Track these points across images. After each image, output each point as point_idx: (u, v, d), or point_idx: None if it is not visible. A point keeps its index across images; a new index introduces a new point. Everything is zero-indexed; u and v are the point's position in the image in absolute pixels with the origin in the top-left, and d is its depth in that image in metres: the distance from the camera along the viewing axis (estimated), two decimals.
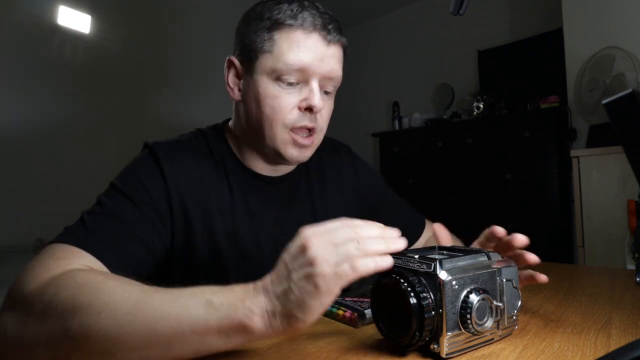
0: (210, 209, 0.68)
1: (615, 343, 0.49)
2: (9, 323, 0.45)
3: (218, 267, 0.69)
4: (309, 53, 0.64)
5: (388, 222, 0.95)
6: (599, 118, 2.01)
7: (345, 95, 3.91)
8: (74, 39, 2.54)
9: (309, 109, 0.66)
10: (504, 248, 0.61)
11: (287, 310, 0.39)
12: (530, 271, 0.62)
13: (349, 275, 0.39)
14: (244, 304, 0.40)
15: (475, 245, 0.68)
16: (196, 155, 0.70)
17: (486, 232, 0.65)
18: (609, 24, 2.07)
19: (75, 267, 0.49)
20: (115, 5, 2.75)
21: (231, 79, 0.71)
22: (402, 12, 3.67)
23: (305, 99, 0.66)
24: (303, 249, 0.40)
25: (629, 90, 0.39)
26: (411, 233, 0.91)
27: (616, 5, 2.05)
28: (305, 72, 0.64)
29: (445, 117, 3.05)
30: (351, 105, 3.87)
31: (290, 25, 0.64)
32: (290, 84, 0.65)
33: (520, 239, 0.58)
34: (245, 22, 0.69)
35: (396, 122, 3.31)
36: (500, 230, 0.62)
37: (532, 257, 0.58)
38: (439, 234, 0.67)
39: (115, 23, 2.74)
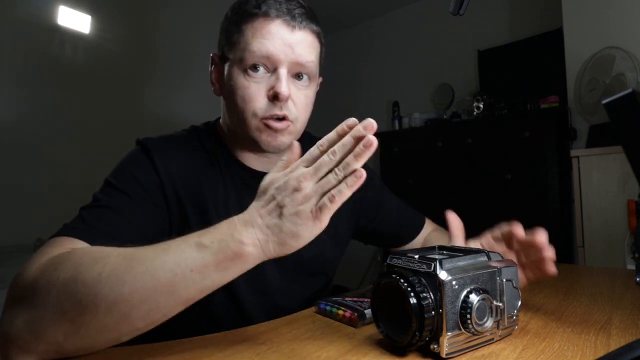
0: (205, 203, 0.69)
1: (615, 343, 0.49)
2: (17, 316, 0.45)
3: None
4: (272, 40, 0.64)
5: (385, 219, 0.94)
6: (599, 118, 2.01)
7: (345, 95, 3.91)
8: (74, 39, 2.54)
9: (276, 97, 0.65)
10: (524, 252, 0.61)
11: (280, 239, 0.44)
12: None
13: (330, 207, 0.44)
14: (232, 237, 0.44)
15: (483, 240, 0.67)
16: (188, 150, 0.71)
17: (504, 230, 0.64)
18: (609, 24, 2.07)
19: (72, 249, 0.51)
20: (115, 5, 2.75)
21: (214, 75, 0.73)
22: (402, 12, 3.66)
23: (272, 87, 0.65)
24: (296, 189, 0.44)
25: (629, 90, 0.39)
26: (411, 230, 0.92)
27: (616, 5, 2.05)
28: (271, 59, 0.64)
29: (445, 117, 3.05)
30: (351, 105, 3.87)
31: (255, 14, 0.64)
32: (257, 71, 0.65)
33: (541, 238, 0.59)
34: (224, 20, 0.71)
35: (396, 122, 3.31)
36: (521, 232, 0.61)
37: (552, 269, 0.59)
38: (451, 221, 0.67)
39: (115, 23, 2.74)
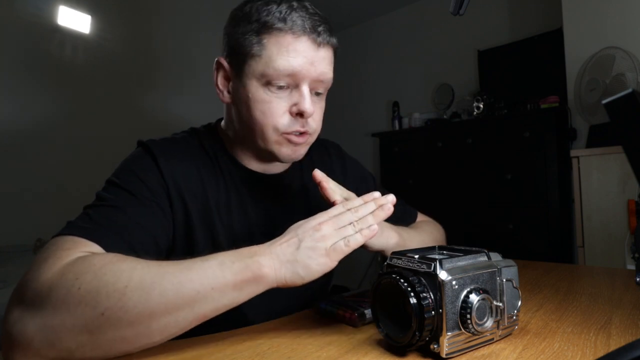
0: (207, 204, 0.69)
1: (615, 343, 0.49)
2: (29, 321, 0.44)
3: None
4: (298, 58, 0.63)
5: None
6: (599, 118, 2.01)
7: (345, 95, 3.91)
8: (74, 39, 2.54)
9: (300, 114, 0.65)
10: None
11: (293, 268, 0.50)
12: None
13: (344, 249, 0.51)
14: (253, 260, 0.49)
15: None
16: (190, 152, 0.71)
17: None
18: (609, 24, 2.07)
19: (86, 254, 0.50)
20: (115, 5, 2.75)
21: (220, 80, 0.70)
22: (402, 12, 3.67)
23: (295, 104, 0.65)
24: (316, 229, 0.52)
25: (629, 90, 0.39)
26: (401, 224, 0.92)
27: (616, 5, 2.05)
28: (295, 76, 0.63)
29: (445, 117, 3.05)
30: (351, 105, 3.87)
31: (280, 29, 0.62)
32: (280, 88, 0.64)
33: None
34: (232, 23, 0.67)
35: (396, 122, 3.31)
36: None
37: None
38: None
39: (115, 23, 2.74)
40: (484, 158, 2.61)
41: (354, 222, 0.53)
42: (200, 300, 0.46)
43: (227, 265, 0.48)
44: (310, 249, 0.50)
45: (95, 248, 0.53)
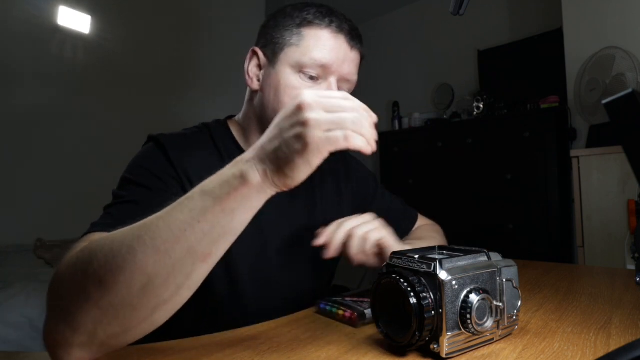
0: None
1: (615, 343, 0.49)
2: (52, 315, 0.45)
3: (226, 253, 0.69)
4: (333, 52, 0.68)
5: (380, 213, 0.96)
6: (599, 118, 2.01)
7: None
8: (74, 39, 2.54)
9: None
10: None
11: (277, 167, 0.42)
12: None
13: (340, 142, 0.42)
14: (232, 172, 0.43)
15: None
16: (201, 147, 0.72)
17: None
18: (609, 24, 2.07)
19: None
20: (115, 5, 2.75)
21: (252, 69, 0.74)
22: (402, 12, 3.67)
23: None
24: (298, 109, 0.42)
25: (629, 90, 0.39)
26: (402, 226, 0.93)
27: (616, 5, 2.05)
28: (327, 69, 0.68)
29: (445, 117, 3.05)
30: None
31: (320, 25, 0.68)
32: (311, 78, 0.68)
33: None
34: (274, 20, 0.73)
35: (396, 122, 3.31)
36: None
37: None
38: None
39: (115, 23, 2.74)
40: (484, 158, 2.61)
41: (352, 111, 0.44)
42: (191, 238, 0.42)
43: (208, 190, 0.43)
44: (294, 138, 0.41)
45: None
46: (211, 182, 0.44)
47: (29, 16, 2.35)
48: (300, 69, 0.68)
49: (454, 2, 0.93)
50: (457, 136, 2.75)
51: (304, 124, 0.41)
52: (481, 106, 2.69)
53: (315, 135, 0.41)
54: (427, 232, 0.92)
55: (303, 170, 0.43)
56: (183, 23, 3.09)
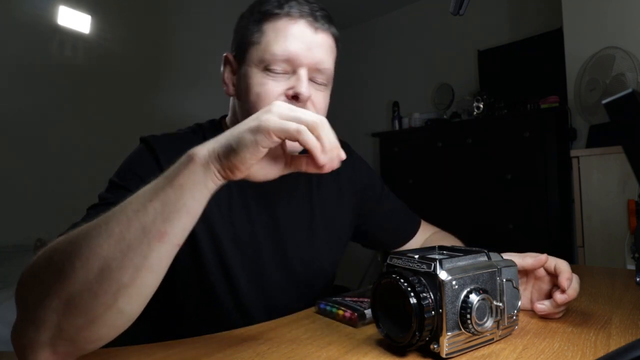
0: (209, 202, 0.68)
1: (615, 343, 0.49)
2: (18, 315, 0.45)
3: (223, 258, 0.69)
4: (295, 41, 0.63)
5: (383, 219, 0.94)
6: (599, 118, 2.01)
7: (345, 95, 3.91)
8: (74, 39, 2.54)
9: (295, 97, 0.64)
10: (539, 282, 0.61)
11: (225, 142, 0.44)
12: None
13: (291, 132, 0.43)
14: (186, 154, 0.45)
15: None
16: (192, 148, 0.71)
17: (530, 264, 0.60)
18: (609, 24, 2.07)
19: None
20: (115, 5, 2.75)
21: (227, 75, 0.72)
22: (402, 12, 3.67)
23: (292, 87, 0.64)
24: (265, 110, 0.45)
25: (629, 90, 0.39)
26: (404, 233, 0.92)
27: (616, 5, 2.05)
28: (292, 61, 0.64)
29: (445, 117, 3.05)
30: (351, 105, 3.87)
31: (277, 14, 0.64)
32: (277, 73, 0.64)
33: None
34: (240, 20, 0.70)
35: (396, 122, 3.31)
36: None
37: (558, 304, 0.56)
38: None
39: (115, 23, 2.74)
40: (484, 158, 2.61)
41: (315, 121, 0.44)
42: (144, 219, 0.42)
43: (164, 173, 0.45)
44: (250, 121, 0.44)
45: None
46: (168, 168, 0.45)
47: (29, 16, 2.35)
48: (264, 66, 0.64)
49: (454, 2, 0.93)
50: (457, 136, 2.75)
51: (264, 113, 0.44)
52: (481, 106, 2.69)
53: (270, 118, 0.43)
54: (440, 242, 0.89)
55: (250, 151, 0.43)
56: (183, 22, 3.09)
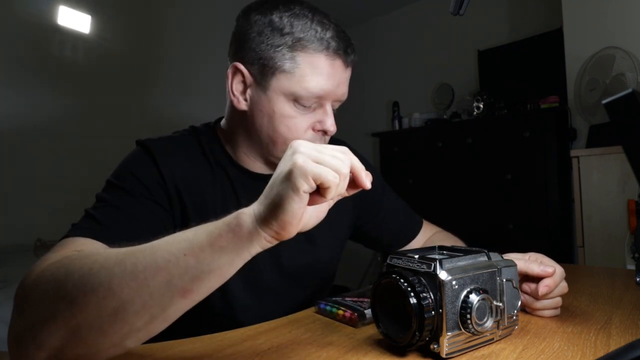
0: (204, 204, 0.69)
1: (615, 343, 0.49)
2: (19, 324, 0.44)
3: None
4: (330, 80, 0.64)
5: (384, 220, 0.94)
6: (599, 118, 2.01)
7: None
8: (74, 39, 2.54)
9: (324, 132, 0.67)
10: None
11: (268, 202, 0.40)
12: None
13: (324, 176, 0.39)
14: (234, 215, 0.41)
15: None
16: (188, 152, 0.71)
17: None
18: (609, 24, 2.07)
19: (75, 252, 0.49)
20: (115, 5, 2.75)
21: (236, 87, 0.67)
22: (402, 12, 3.66)
23: (319, 122, 0.67)
24: (292, 153, 0.40)
25: (629, 90, 0.39)
26: (407, 233, 0.91)
27: (616, 5, 2.05)
28: (323, 98, 0.65)
29: (445, 117, 3.05)
30: (351, 105, 3.84)
31: (315, 49, 0.62)
32: (307, 107, 0.65)
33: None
34: (255, 30, 0.64)
35: (396, 122, 3.31)
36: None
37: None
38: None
39: (115, 23, 2.74)
40: (484, 158, 2.61)
41: (343, 163, 0.41)
42: (173, 270, 0.40)
43: (204, 228, 0.41)
44: (283, 178, 0.39)
45: (98, 245, 0.53)
46: (211, 223, 0.42)
47: (29, 16, 2.35)
48: (294, 98, 0.63)
49: (453, 2, 0.93)
50: (457, 136, 2.75)
51: (292, 157, 0.40)
52: (481, 106, 2.69)
53: (300, 159, 0.39)
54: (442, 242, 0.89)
55: (296, 200, 0.39)
56: (183, 23, 3.09)
